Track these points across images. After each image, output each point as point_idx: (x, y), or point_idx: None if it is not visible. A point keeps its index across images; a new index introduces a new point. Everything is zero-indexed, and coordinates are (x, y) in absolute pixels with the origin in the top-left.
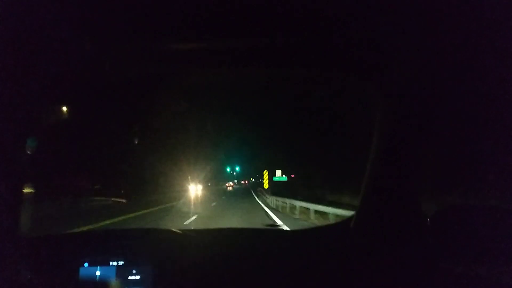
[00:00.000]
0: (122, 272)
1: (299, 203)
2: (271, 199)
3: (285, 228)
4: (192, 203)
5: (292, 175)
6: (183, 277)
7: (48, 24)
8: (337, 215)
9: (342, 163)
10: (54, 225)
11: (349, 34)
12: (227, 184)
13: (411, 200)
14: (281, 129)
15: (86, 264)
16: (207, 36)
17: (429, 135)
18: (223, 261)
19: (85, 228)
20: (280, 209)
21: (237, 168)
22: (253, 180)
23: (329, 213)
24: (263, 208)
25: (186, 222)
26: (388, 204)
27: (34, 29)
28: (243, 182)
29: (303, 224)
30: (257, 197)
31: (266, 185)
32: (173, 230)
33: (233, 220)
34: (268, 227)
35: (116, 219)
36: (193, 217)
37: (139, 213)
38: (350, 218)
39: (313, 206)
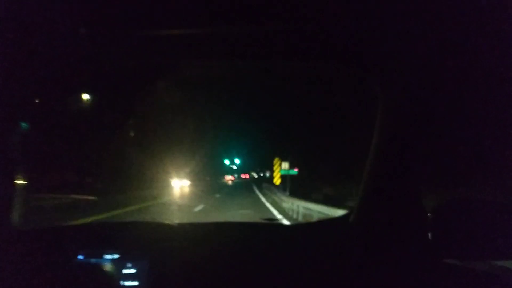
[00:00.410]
0: (117, 266)
1: None
2: (290, 204)
3: (285, 222)
4: (174, 203)
5: (296, 169)
6: (179, 271)
7: (44, 16)
8: None
9: (347, 156)
10: None
11: (351, 27)
12: (226, 178)
13: (411, 194)
14: (284, 120)
15: (80, 257)
16: (206, 27)
17: (430, 129)
18: (220, 255)
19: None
20: None
21: (237, 161)
22: (255, 174)
23: None
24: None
25: None
26: (388, 198)
27: (28, 21)
28: (243, 176)
29: None
30: (264, 197)
31: (277, 181)
32: (170, 223)
33: None
34: (267, 221)
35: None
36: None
37: (99, 217)
38: (349, 213)
39: None
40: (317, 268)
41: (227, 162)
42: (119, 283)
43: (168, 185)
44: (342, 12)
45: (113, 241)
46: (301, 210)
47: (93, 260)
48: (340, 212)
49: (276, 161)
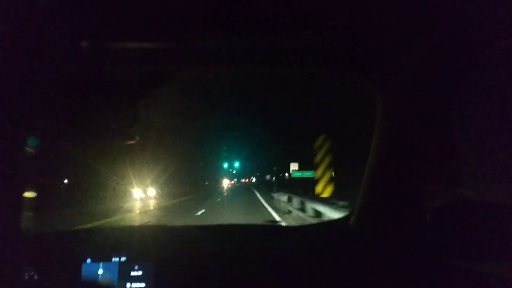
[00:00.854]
0: (124, 268)
1: None
2: None
3: (284, 224)
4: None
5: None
6: (185, 273)
7: (46, 21)
8: None
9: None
10: None
11: (349, 32)
12: (228, 183)
13: (411, 196)
14: (286, 124)
15: (88, 261)
16: (205, 34)
17: (429, 131)
18: (223, 257)
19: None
20: None
21: (236, 165)
22: (254, 179)
23: None
24: None
25: None
26: (388, 200)
27: (31, 26)
28: (243, 180)
29: None
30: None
31: (325, 189)
32: (176, 226)
33: None
34: (269, 223)
35: None
36: None
37: None
38: (349, 215)
39: None
40: (318, 270)
41: (226, 165)
42: (126, 285)
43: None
44: (338, 17)
45: (120, 245)
46: None
47: (101, 263)
48: None
49: (321, 143)
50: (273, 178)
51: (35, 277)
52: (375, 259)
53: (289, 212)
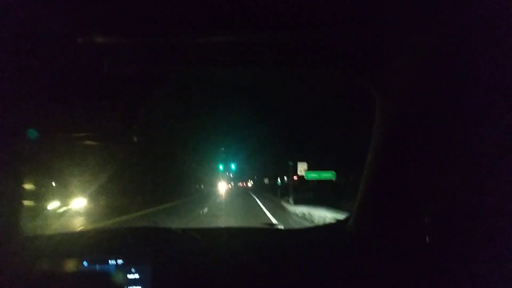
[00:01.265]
0: (121, 271)
1: None
2: None
3: (281, 227)
4: None
5: (296, 177)
6: (182, 276)
7: (46, 20)
8: None
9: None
10: None
11: (348, 32)
12: (225, 187)
13: (409, 198)
14: (283, 123)
15: (85, 263)
16: (207, 34)
17: (428, 132)
18: (221, 260)
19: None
20: None
21: (233, 166)
22: (250, 183)
23: None
24: None
25: None
26: (386, 202)
27: (32, 25)
28: (240, 184)
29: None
30: None
31: None
32: (173, 229)
33: None
34: (266, 226)
35: None
36: None
37: None
38: (347, 218)
39: None
40: (316, 273)
41: (221, 168)
42: None
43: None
44: (336, 16)
45: (117, 247)
46: None
47: (98, 266)
48: None
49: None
50: (278, 180)
51: (32, 278)
52: (372, 261)
53: None
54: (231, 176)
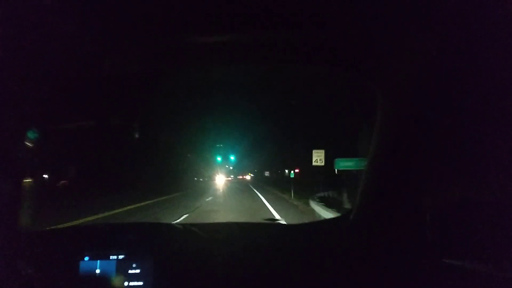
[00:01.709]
0: (122, 266)
1: None
2: None
3: (284, 222)
4: None
5: (297, 170)
6: (183, 271)
7: (48, 20)
8: None
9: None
10: None
11: (349, 31)
12: (224, 179)
13: (410, 194)
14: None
15: (86, 258)
16: (206, 31)
17: (429, 130)
18: (223, 255)
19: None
20: None
21: (232, 158)
22: (249, 176)
23: None
24: None
25: None
26: (388, 198)
27: (33, 25)
28: (240, 177)
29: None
30: None
31: None
32: (174, 224)
33: None
34: (268, 221)
35: None
36: None
37: None
38: (349, 213)
39: None
40: (318, 267)
41: (219, 159)
42: (124, 283)
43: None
44: (339, 16)
45: (118, 242)
46: None
47: (98, 261)
48: None
49: None
50: (291, 172)
51: (33, 273)
52: (374, 257)
53: None
54: (231, 169)
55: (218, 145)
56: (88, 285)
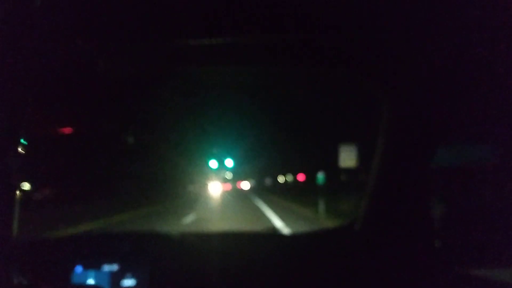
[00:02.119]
0: (116, 277)
1: None
2: None
3: (285, 232)
4: None
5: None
6: (180, 282)
7: (41, 20)
8: None
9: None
10: None
11: (353, 32)
12: (220, 188)
13: (418, 201)
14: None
15: (79, 268)
16: (205, 33)
17: (436, 132)
18: (221, 265)
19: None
20: None
21: (231, 163)
22: (247, 184)
23: None
24: None
25: None
26: (395, 206)
27: (26, 25)
28: (239, 186)
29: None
30: None
31: None
32: (171, 233)
33: None
34: (268, 232)
35: None
36: None
37: None
38: (353, 221)
39: None
40: (323, 277)
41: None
42: None
43: None
44: (343, 17)
45: (112, 252)
46: None
47: (91, 272)
48: None
49: None
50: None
51: (24, 283)
52: (381, 266)
53: None
54: (229, 176)
55: (215, 152)
56: None
